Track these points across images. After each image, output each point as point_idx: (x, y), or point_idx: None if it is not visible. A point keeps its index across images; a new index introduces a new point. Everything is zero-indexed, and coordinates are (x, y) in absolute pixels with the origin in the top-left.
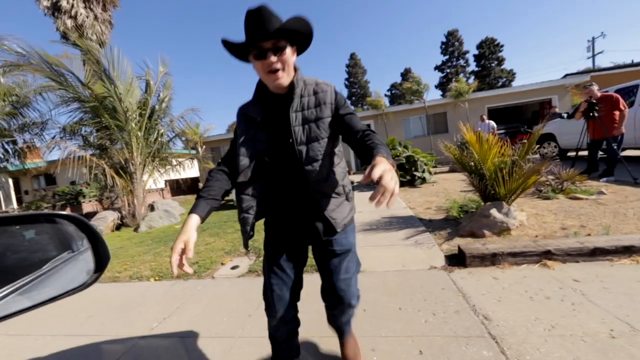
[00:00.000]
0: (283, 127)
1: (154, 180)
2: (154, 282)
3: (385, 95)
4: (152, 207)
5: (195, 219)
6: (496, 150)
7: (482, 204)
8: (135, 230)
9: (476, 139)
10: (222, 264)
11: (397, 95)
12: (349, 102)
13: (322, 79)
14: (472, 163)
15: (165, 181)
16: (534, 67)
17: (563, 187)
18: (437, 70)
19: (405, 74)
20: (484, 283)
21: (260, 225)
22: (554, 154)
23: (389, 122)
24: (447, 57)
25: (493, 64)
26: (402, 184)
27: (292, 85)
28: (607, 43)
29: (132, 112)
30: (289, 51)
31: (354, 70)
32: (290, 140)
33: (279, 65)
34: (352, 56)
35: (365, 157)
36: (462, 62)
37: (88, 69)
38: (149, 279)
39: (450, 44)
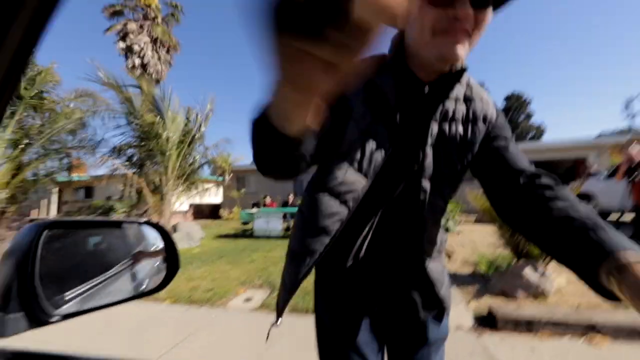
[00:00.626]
0: (412, 139)
1: (180, 202)
2: (169, 305)
3: None
4: (174, 228)
5: None
6: None
7: (514, 261)
8: None
9: None
10: (236, 294)
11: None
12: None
13: None
14: None
15: (190, 204)
16: (564, 123)
17: None
18: None
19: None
20: (519, 353)
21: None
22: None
23: None
24: None
25: (521, 118)
26: None
27: (458, 72)
28: None
29: (174, 139)
30: (489, 12)
31: None
32: (416, 167)
33: (469, 26)
34: None
35: (574, 251)
36: None
37: (143, 99)
38: (164, 300)
39: None
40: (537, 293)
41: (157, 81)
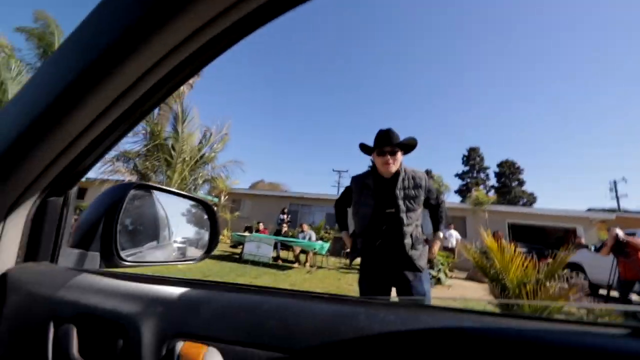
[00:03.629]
0: (388, 199)
1: None
2: None
3: None
4: None
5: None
6: (519, 262)
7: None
8: None
9: (497, 247)
10: None
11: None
12: (434, 188)
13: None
14: (493, 271)
15: None
16: (555, 196)
17: None
18: (457, 177)
19: (427, 174)
20: None
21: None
22: (584, 286)
23: None
24: (467, 168)
25: (514, 184)
26: None
27: (397, 173)
28: (631, 188)
29: (185, 154)
30: (399, 154)
31: None
32: (394, 210)
33: (390, 162)
34: None
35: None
36: (482, 175)
37: (162, 113)
38: None
39: (472, 158)
40: None
41: (177, 98)
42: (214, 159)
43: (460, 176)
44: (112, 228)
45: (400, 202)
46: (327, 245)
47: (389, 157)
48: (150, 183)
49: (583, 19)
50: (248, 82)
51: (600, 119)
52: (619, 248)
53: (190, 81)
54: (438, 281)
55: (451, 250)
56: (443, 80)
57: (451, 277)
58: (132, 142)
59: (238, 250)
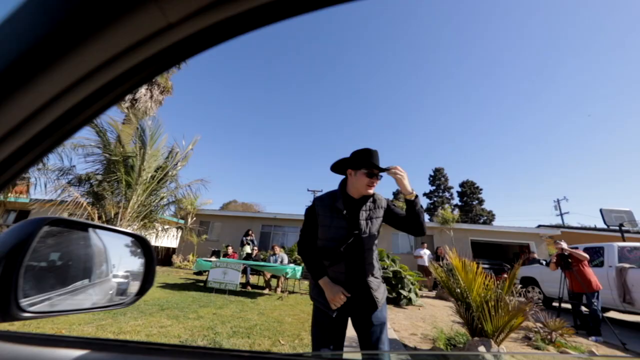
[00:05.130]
0: (354, 220)
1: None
2: None
3: None
4: None
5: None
6: (481, 280)
7: (470, 338)
8: None
9: (462, 266)
10: None
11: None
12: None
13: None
14: (459, 290)
15: None
16: (509, 213)
17: (552, 339)
18: (425, 197)
19: (397, 193)
20: None
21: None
22: (539, 299)
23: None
24: (434, 187)
25: (474, 202)
26: (387, 301)
27: (368, 195)
28: (572, 206)
29: (147, 173)
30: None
31: None
32: (357, 232)
33: (376, 185)
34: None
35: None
36: (447, 194)
37: (125, 130)
38: None
39: (437, 178)
40: None
41: (144, 115)
42: (177, 178)
43: (428, 195)
44: (12, 273)
45: (362, 223)
46: (300, 269)
47: (375, 179)
48: (69, 217)
49: (532, 43)
50: (223, 100)
51: (547, 144)
52: (565, 262)
53: (160, 98)
54: (409, 301)
55: (424, 269)
56: (413, 103)
57: (421, 297)
58: (87, 162)
59: (204, 277)
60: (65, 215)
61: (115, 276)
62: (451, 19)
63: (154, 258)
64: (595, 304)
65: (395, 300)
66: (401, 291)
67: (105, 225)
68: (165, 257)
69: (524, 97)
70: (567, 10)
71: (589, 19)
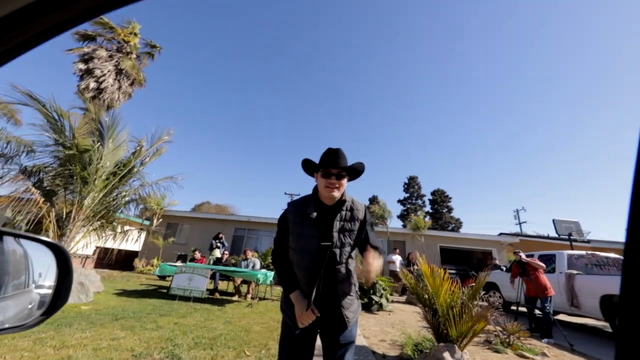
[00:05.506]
0: (326, 231)
1: (85, 244)
2: None
3: None
4: None
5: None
6: (447, 286)
7: (436, 344)
8: None
9: (430, 272)
10: None
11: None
12: (372, 220)
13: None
14: (427, 296)
15: (97, 247)
16: (475, 221)
17: (510, 342)
18: (399, 203)
19: (373, 200)
20: None
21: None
22: (499, 303)
23: None
24: (408, 194)
25: (444, 210)
26: None
27: (340, 200)
28: (529, 215)
29: (106, 169)
30: (345, 180)
31: None
32: (329, 243)
33: (336, 185)
34: None
35: (361, 248)
36: (420, 202)
37: (83, 122)
38: None
39: (411, 186)
40: None
41: (109, 107)
42: (143, 175)
43: (402, 202)
44: None
45: (335, 235)
46: (272, 274)
47: (334, 180)
48: None
49: (502, 60)
50: (199, 100)
51: (507, 156)
52: (523, 269)
53: (130, 90)
54: (380, 306)
55: (395, 275)
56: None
57: (392, 302)
58: (39, 154)
59: (168, 283)
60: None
61: (39, 287)
62: (429, 29)
63: (71, 270)
64: (548, 308)
65: (367, 306)
66: (373, 297)
67: (16, 232)
68: (126, 260)
69: (487, 112)
70: (533, 26)
71: (551, 32)
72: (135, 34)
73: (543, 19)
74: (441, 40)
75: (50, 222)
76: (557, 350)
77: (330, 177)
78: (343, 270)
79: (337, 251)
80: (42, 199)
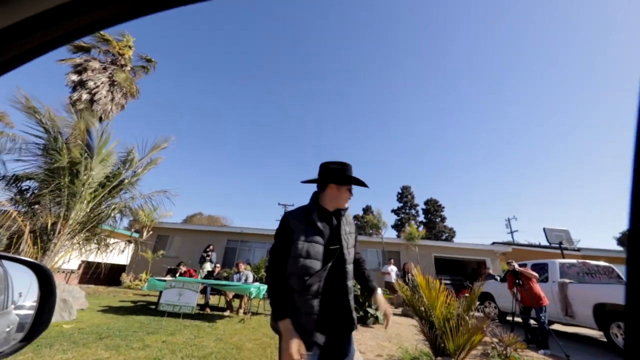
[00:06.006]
0: (332, 235)
1: (69, 258)
2: None
3: None
4: None
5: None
6: (443, 299)
7: (434, 358)
8: None
9: (426, 284)
10: None
11: (357, 226)
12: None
13: None
14: (423, 308)
15: (82, 262)
16: (468, 230)
17: (507, 354)
18: (393, 213)
19: (367, 210)
20: None
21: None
22: (495, 314)
23: None
24: (401, 204)
25: (437, 219)
26: None
27: (344, 208)
28: (520, 224)
29: (94, 181)
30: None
31: None
32: (338, 246)
33: (349, 197)
34: None
35: (363, 284)
36: (413, 211)
37: (73, 132)
38: None
39: (405, 195)
40: None
41: (100, 119)
42: (134, 187)
43: (396, 212)
44: None
45: (343, 237)
46: (265, 288)
47: (351, 193)
48: None
49: (492, 69)
50: (190, 109)
51: (497, 167)
52: (517, 279)
53: (122, 101)
54: (376, 319)
55: (391, 287)
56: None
57: None
58: (25, 163)
59: (156, 298)
60: None
61: (19, 307)
62: (416, 37)
63: (54, 292)
64: (543, 317)
65: (363, 319)
66: (369, 309)
67: None
68: (111, 275)
69: (476, 122)
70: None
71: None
72: (130, 47)
73: (523, 31)
74: (432, 48)
75: (34, 235)
76: None
77: (349, 191)
78: (351, 268)
79: (346, 251)
80: (25, 210)
